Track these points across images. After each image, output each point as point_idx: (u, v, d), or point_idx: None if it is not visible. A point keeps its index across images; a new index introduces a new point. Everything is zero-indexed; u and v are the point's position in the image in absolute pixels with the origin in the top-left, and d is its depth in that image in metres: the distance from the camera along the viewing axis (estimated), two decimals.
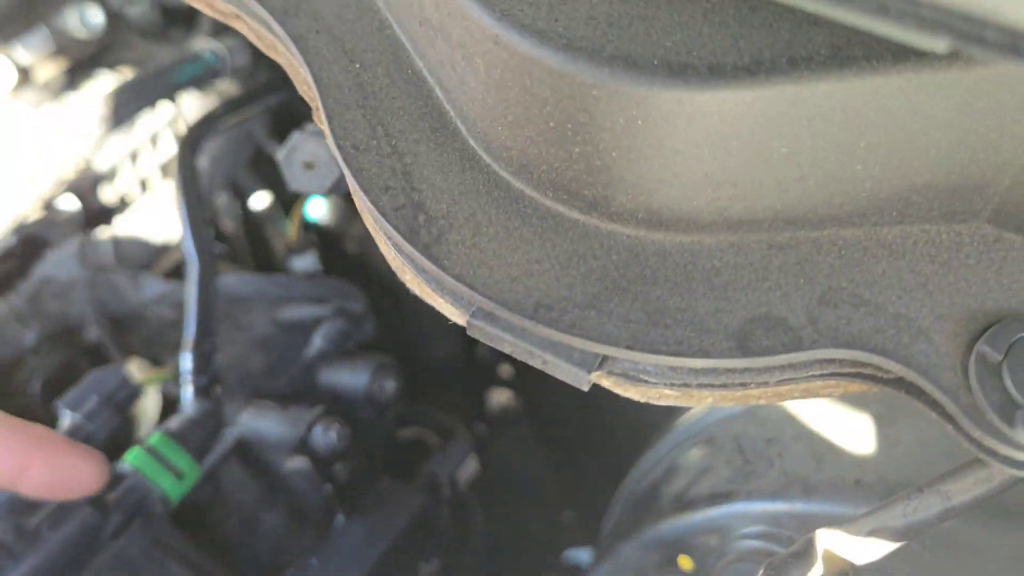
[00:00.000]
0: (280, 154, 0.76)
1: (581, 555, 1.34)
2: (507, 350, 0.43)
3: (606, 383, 0.43)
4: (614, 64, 0.37)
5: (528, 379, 1.51)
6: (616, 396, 1.12)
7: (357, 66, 0.49)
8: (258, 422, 0.91)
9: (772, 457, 0.72)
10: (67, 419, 0.83)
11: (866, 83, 0.36)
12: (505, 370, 1.92)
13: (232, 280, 1.00)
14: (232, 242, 1.20)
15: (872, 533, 0.51)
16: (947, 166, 0.41)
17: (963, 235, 0.43)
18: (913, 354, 0.41)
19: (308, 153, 0.78)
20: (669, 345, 0.41)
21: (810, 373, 0.42)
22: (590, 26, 0.38)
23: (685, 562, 0.72)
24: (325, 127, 0.47)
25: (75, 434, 0.82)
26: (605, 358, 0.42)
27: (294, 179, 0.81)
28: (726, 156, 0.39)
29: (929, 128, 0.38)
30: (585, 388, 0.42)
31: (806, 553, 0.49)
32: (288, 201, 1.28)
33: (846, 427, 0.72)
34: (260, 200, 1.28)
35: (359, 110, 0.47)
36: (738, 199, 0.42)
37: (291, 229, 1.22)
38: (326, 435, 0.88)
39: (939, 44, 0.26)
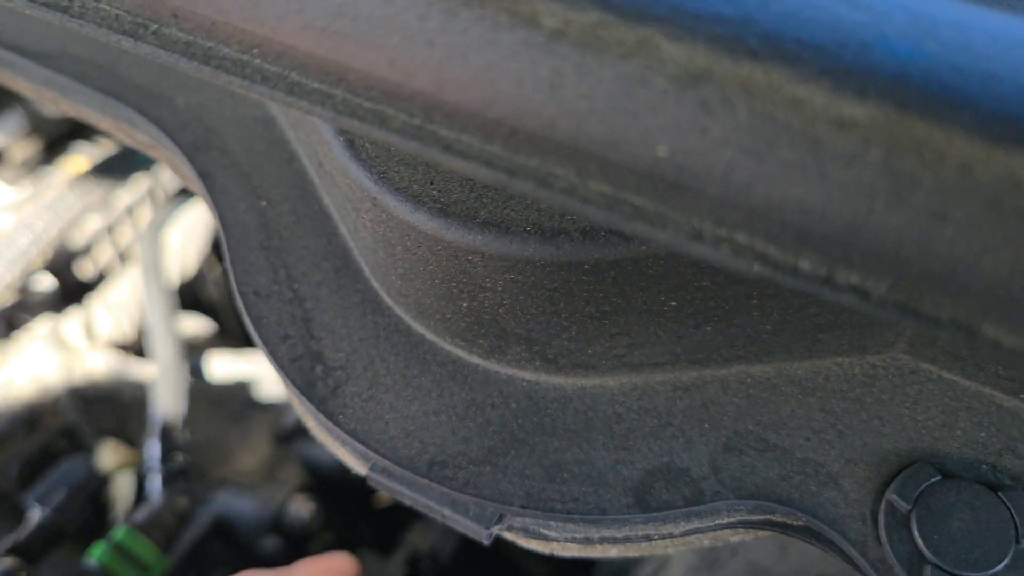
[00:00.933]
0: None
1: None
2: (407, 503, 0.42)
3: (508, 536, 0.42)
4: (487, 230, 0.36)
5: None
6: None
7: (263, 203, 0.48)
8: (232, 502, 0.91)
9: (736, 546, 0.71)
10: (37, 513, 0.83)
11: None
12: None
13: (204, 354, 0.99)
14: (217, 312, 1.20)
15: None
16: (849, 310, 0.39)
17: (878, 367, 0.42)
18: (820, 503, 0.40)
19: None
20: (565, 503, 0.40)
21: (716, 523, 0.41)
22: (464, 189, 0.37)
23: None
24: (228, 269, 0.46)
25: (46, 528, 0.82)
26: (503, 515, 0.41)
27: None
28: (613, 312, 0.38)
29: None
30: (486, 543, 0.41)
31: None
32: None
33: None
34: None
35: (262, 252, 0.46)
36: (635, 347, 0.40)
37: None
38: (299, 513, 0.88)
39: (753, 270, 0.25)
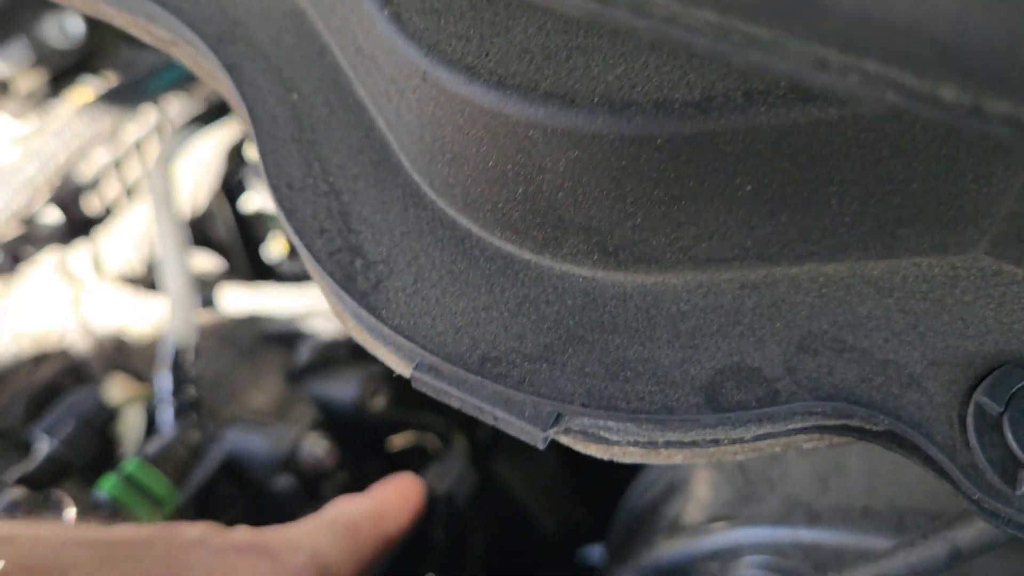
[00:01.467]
0: (252, 166, 0.73)
1: (594, 553, 1.31)
2: (455, 405, 0.39)
3: (565, 440, 0.39)
4: (549, 102, 0.33)
5: None
6: None
7: (294, 96, 0.45)
8: (244, 439, 0.88)
9: (774, 478, 0.68)
10: (45, 445, 0.80)
11: (831, 118, 0.31)
12: None
13: (216, 287, 0.96)
14: (226, 250, 1.17)
15: None
16: (935, 197, 0.36)
17: (958, 268, 0.39)
18: (904, 406, 0.37)
19: None
20: (630, 402, 0.37)
21: (789, 427, 0.38)
22: (524, 60, 0.34)
23: None
24: (259, 164, 0.43)
25: (54, 460, 0.79)
26: (561, 415, 0.38)
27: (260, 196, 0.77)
28: (683, 196, 0.35)
29: (910, 162, 0.33)
30: (541, 447, 0.39)
31: None
32: None
33: (853, 447, 0.67)
34: (252, 202, 1.25)
35: (295, 144, 0.43)
36: (703, 238, 0.37)
37: (282, 239, 1.19)
38: (312, 452, 0.85)
39: (882, 104, 0.22)
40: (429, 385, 0.39)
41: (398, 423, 1.05)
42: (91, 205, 1.05)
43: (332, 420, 0.93)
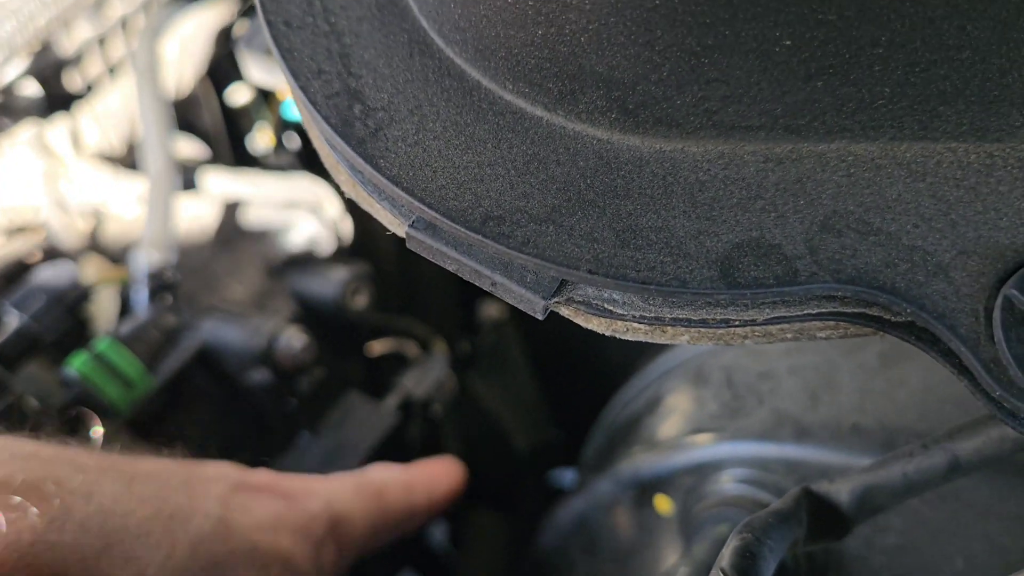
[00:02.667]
0: (241, 39, 0.69)
1: (565, 476, 1.30)
2: (451, 268, 0.37)
3: (565, 312, 0.37)
4: None
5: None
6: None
7: None
8: (220, 330, 0.86)
9: (763, 393, 0.67)
10: (14, 319, 0.77)
11: None
12: None
13: (197, 171, 0.93)
14: (210, 138, 1.13)
15: (868, 491, 0.46)
16: (983, 71, 0.33)
17: (996, 157, 0.36)
18: (928, 295, 0.34)
19: None
20: (640, 271, 0.34)
21: (805, 312, 0.36)
22: None
23: (663, 503, 0.67)
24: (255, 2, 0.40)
25: (23, 335, 0.76)
26: (564, 283, 0.36)
27: (254, 66, 0.74)
28: (718, 47, 0.32)
29: (964, 26, 0.31)
30: (540, 316, 0.36)
31: (792, 514, 0.44)
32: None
33: (846, 364, 0.66)
34: (239, 94, 1.21)
35: None
36: (731, 99, 0.35)
37: (268, 131, 1.15)
38: (289, 345, 0.83)
39: None
40: (425, 245, 0.37)
41: (378, 328, 1.03)
42: (72, 81, 1.00)
43: (311, 317, 0.91)
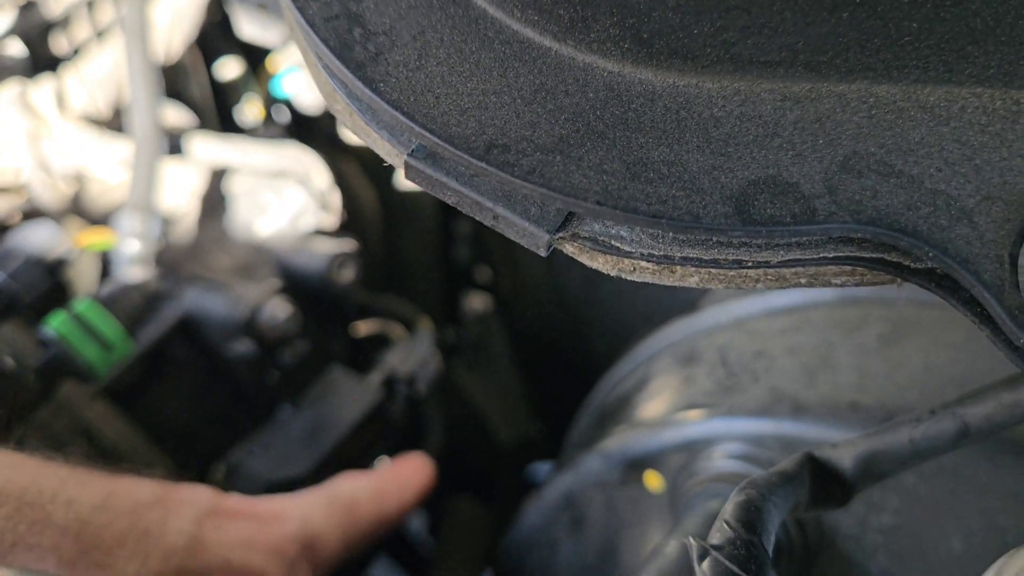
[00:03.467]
0: None
1: (545, 470, 1.29)
2: (450, 200, 0.35)
3: (570, 249, 0.35)
4: None
5: (504, 284, 1.43)
6: (596, 305, 1.04)
7: None
8: (203, 299, 0.84)
9: (759, 372, 0.65)
10: None
11: None
12: (482, 273, 1.85)
13: (184, 137, 0.91)
14: (197, 108, 1.11)
15: (872, 457, 0.44)
16: (1015, 11, 0.32)
17: (1022, 104, 0.35)
18: (951, 239, 0.33)
19: None
20: (651, 204, 0.33)
21: (822, 255, 0.34)
22: None
23: (653, 479, 0.65)
24: None
25: (1, 294, 0.74)
26: (571, 217, 0.34)
27: (246, 21, 0.72)
28: None
29: None
30: (543, 252, 0.35)
31: (796, 476, 0.42)
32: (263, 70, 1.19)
33: (845, 345, 0.64)
34: (227, 68, 1.19)
35: None
36: (751, 31, 0.33)
37: (258, 103, 1.13)
38: (273, 315, 0.81)
39: None
40: (424, 175, 0.35)
41: (363, 307, 1.01)
42: (58, 44, 0.98)
43: (296, 290, 0.89)
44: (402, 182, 1.27)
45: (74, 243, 0.79)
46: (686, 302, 0.81)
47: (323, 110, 1.22)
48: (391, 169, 1.30)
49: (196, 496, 0.60)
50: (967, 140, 0.35)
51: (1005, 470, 0.55)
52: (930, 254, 0.33)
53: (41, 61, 0.96)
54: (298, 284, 0.88)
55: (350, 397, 0.86)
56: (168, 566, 0.53)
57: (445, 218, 1.56)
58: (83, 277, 0.84)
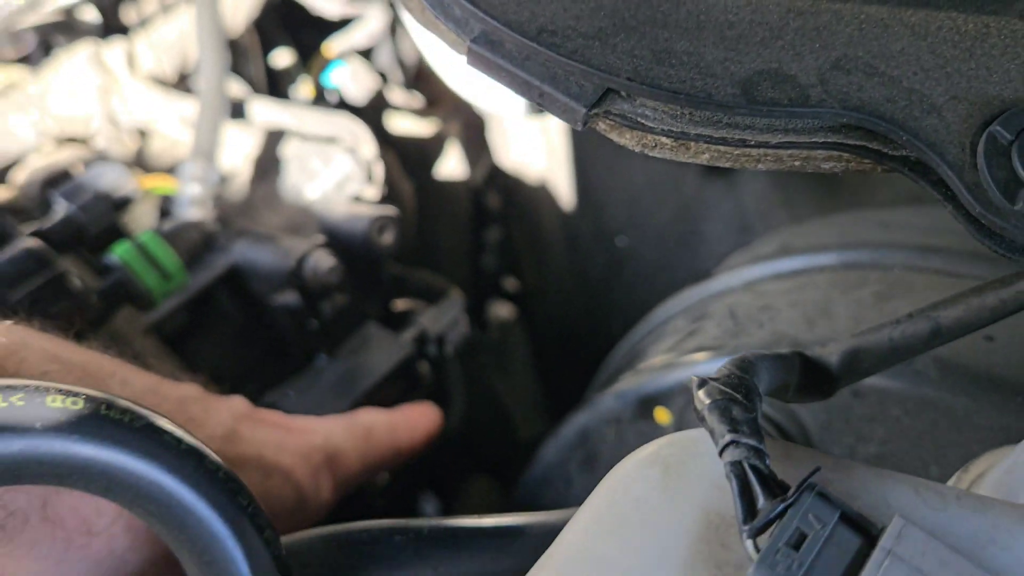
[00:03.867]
0: None
1: None
2: (504, 82, 0.42)
3: (602, 126, 0.42)
4: None
5: (529, 280, 1.50)
6: (616, 288, 1.10)
7: None
8: (251, 251, 0.90)
9: (763, 321, 0.71)
10: (61, 208, 0.82)
11: None
12: (509, 283, 1.91)
13: (243, 102, 0.98)
14: (252, 85, 1.19)
15: (855, 353, 0.50)
16: None
17: (991, 27, 0.42)
18: (923, 127, 0.39)
19: None
20: (672, 83, 0.39)
21: (813, 140, 0.41)
22: None
23: (662, 415, 0.71)
24: None
25: (69, 222, 0.81)
26: (605, 95, 0.41)
27: None
28: None
29: None
30: (579, 126, 0.41)
31: (787, 359, 0.48)
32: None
33: (843, 300, 0.70)
34: (281, 57, 1.27)
35: None
36: None
37: (310, 84, 1.21)
38: (316, 267, 0.87)
39: None
40: (483, 60, 0.42)
41: (398, 279, 1.08)
42: (128, 15, 1.06)
43: (339, 249, 0.95)
44: (440, 174, 1.34)
45: (138, 184, 0.86)
46: (701, 277, 0.87)
47: (367, 101, 1.30)
48: (429, 166, 1.38)
49: (233, 402, 0.66)
50: (941, 52, 0.41)
51: (981, 405, 0.60)
52: (904, 139, 0.39)
53: (113, 27, 1.04)
54: (340, 243, 0.94)
55: (382, 350, 0.92)
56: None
57: (477, 225, 1.63)
58: (144, 216, 0.92)
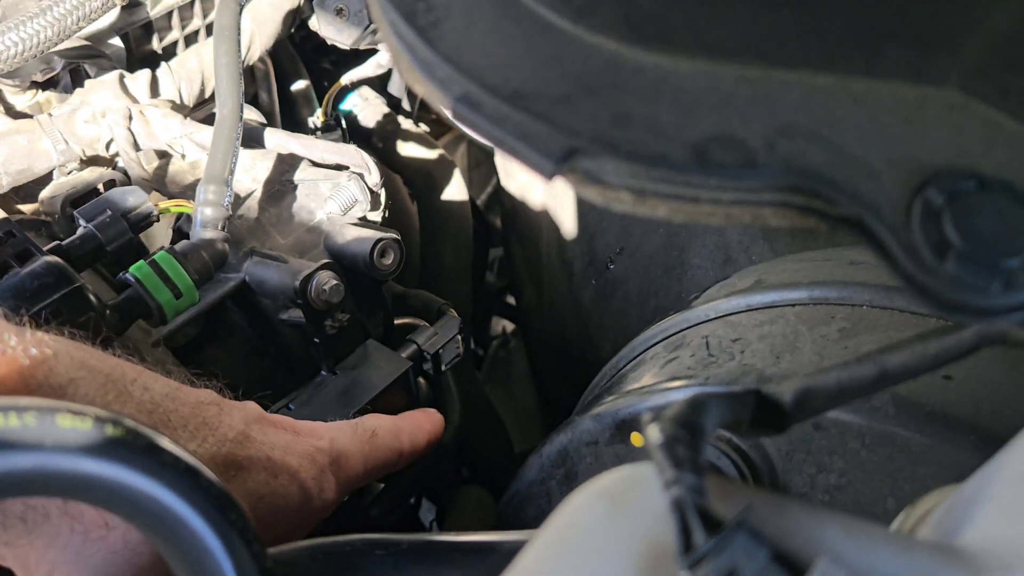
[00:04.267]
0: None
1: None
2: (483, 136, 0.46)
3: (569, 179, 0.46)
4: None
5: (529, 300, 1.53)
6: (606, 313, 1.13)
7: None
8: (260, 270, 0.95)
9: (735, 352, 0.75)
10: (81, 226, 0.87)
11: None
12: (509, 300, 1.95)
13: (256, 129, 1.03)
14: (264, 112, 1.24)
15: (806, 392, 0.54)
16: (918, 15, 0.43)
17: (928, 97, 0.46)
18: (861, 190, 0.43)
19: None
20: (630, 145, 0.43)
21: (761, 198, 0.44)
22: None
23: (637, 439, 0.75)
24: None
25: (87, 240, 0.85)
26: (571, 153, 0.45)
27: (324, 23, 0.84)
28: None
29: None
30: (548, 180, 0.45)
31: (741, 397, 0.52)
32: (326, 92, 1.32)
33: (809, 335, 0.74)
34: (295, 84, 1.32)
35: None
36: (714, 22, 0.44)
37: (321, 109, 1.25)
38: (320, 288, 0.91)
39: None
40: (464, 116, 0.46)
41: (398, 297, 1.12)
42: (151, 43, 1.11)
43: (342, 269, 1.00)
44: (444, 197, 1.38)
45: (155, 205, 0.91)
46: (683, 306, 0.91)
47: (376, 126, 1.34)
48: (433, 190, 1.42)
49: (245, 405, 0.70)
50: (881, 120, 0.45)
51: (937, 442, 0.64)
52: (844, 200, 0.43)
53: (136, 55, 1.09)
54: (344, 264, 0.99)
55: (381, 366, 0.97)
56: (220, 451, 0.62)
57: (481, 244, 1.67)
58: (160, 236, 0.96)
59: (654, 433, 0.44)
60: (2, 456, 0.40)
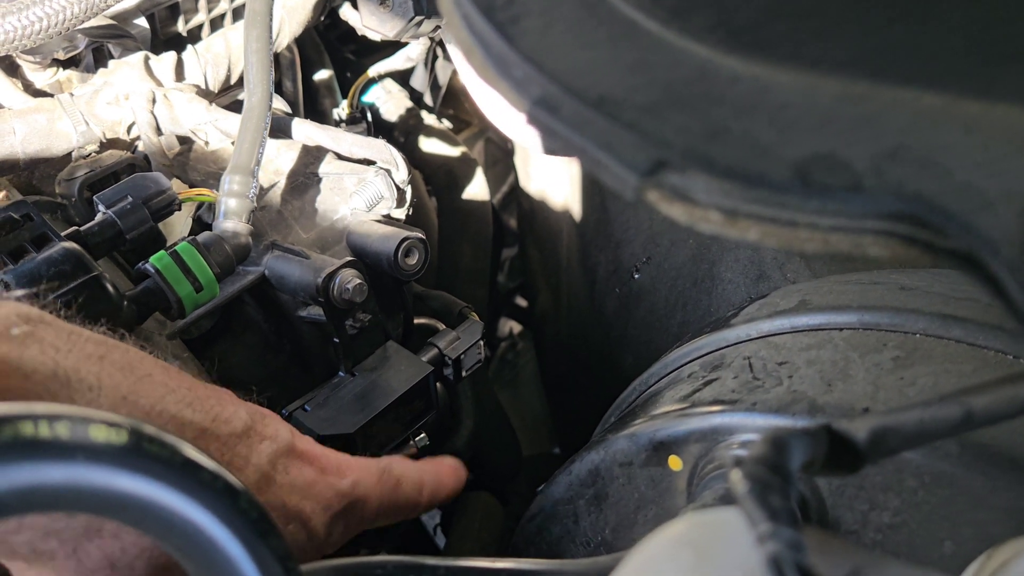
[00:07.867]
0: None
1: None
2: (559, 144, 0.42)
3: (652, 195, 0.42)
4: None
5: (544, 306, 1.50)
6: (630, 324, 1.10)
7: None
8: (281, 265, 0.91)
9: (781, 376, 0.72)
10: (100, 212, 0.83)
11: None
12: (521, 302, 1.92)
13: (283, 119, 0.99)
14: (290, 102, 1.20)
15: (883, 432, 0.50)
16: None
17: None
18: (976, 222, 0.40)
19: None
20: (726, 160, 0.40)
21: (864, 225, 0.41)
22: None
23: (676, 463, 0.71)
24: None
25: (107, 227, 0.82)
26: (660, 165, 0.41)
27: (367, 13, 0.80)
28: None
29: None
30: (630, 196, 0.42)
31: (816, 435, 0.48)
32: (347, 82, 1.29)
33: (862, 362, 0.71)
34: (320, 74, 1.28)
35: None
36: (820, 35, 0.41)
37: (347, 101, 1.22)
38: (343, 286, 0.88)
39: None
40: (541, 122, 0.42)
41: (419, 297, 1.09)
42: (176, 26, 1.08)
43: (365, 268, 0.96)
44: (464, 195, 1.35)
45: (178, 193, 0.87)
46: (714, 323, 0.88)
47: (398, 119, 1.31)
48: (454, 187, 1.39)
49: (278, 432, 0.67)
50: (995, 148, 0.42)
51: (1000, 485, 0.61)
52: (957, 232, 0.40)
53: (161, 37, 1.06)
54: (367, 262, 0.95)
55: (401, 369, 0.93)
56: None
57: (496, 244, 1.64)
58: (182, 226, 0.92)
59: (742, 479, 0.40)
60: (31, 468, 0.37)
